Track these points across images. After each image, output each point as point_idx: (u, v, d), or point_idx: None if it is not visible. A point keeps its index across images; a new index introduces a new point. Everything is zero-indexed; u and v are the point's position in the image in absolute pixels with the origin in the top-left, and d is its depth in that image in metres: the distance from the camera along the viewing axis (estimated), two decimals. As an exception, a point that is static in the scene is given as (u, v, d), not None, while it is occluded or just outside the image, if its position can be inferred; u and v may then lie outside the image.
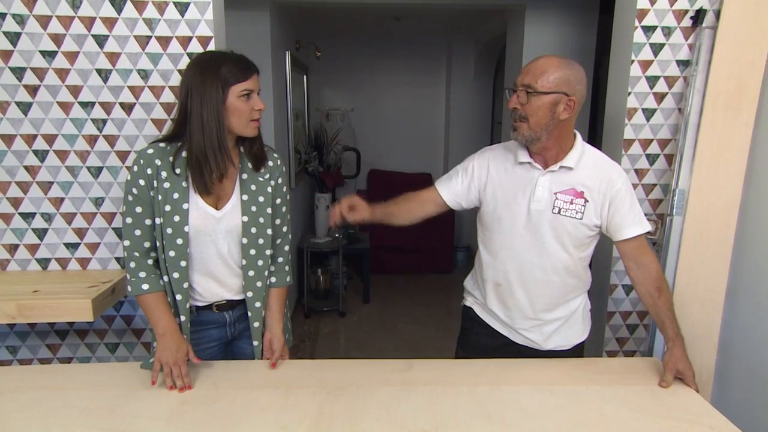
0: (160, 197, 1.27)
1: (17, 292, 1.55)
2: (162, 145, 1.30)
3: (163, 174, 1.27)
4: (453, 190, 1.48)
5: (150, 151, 1.28)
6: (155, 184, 1.27)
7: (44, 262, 1.76)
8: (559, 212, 1.34)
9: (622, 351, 1.95)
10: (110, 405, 1.19)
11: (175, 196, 1.27)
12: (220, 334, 1.44)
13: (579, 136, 1.38)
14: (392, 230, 5.51)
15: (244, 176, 1.34)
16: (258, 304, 1.39)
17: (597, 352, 1.98)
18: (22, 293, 1.54)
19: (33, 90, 1.64)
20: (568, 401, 1.24)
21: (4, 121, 1.65)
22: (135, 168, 1.27)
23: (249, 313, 1.39)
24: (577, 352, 1.51)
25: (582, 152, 1.36)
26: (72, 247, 1.76)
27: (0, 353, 1.81)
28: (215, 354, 1.45)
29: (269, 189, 1.37)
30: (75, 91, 1.66)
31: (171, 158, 1.27)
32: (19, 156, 1.68)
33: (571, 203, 1.33)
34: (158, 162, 1.27)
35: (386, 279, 4.55)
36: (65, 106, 1.67)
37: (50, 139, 1.68)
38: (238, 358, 1.48)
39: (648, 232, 1.36)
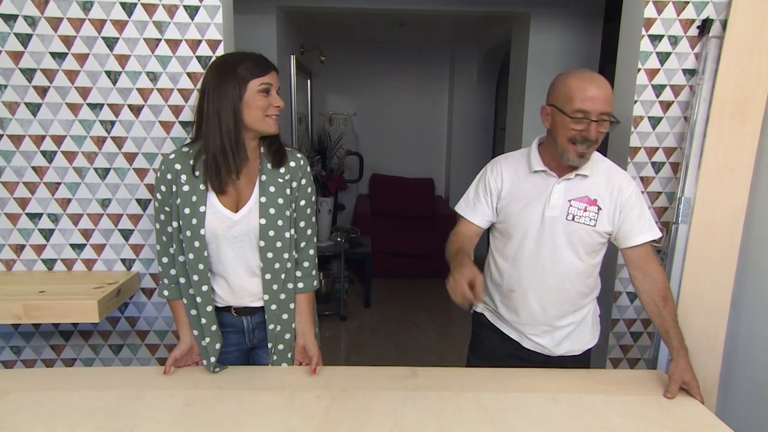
0: (179, 201, 1.28)
1: (23, 293, 1.55)
2: (185, 149, 1.32)
3: (183, 178, 1.29)
4: (483, 213, 1.46)
5: (172, 156, 1.31)
6: (174, 189, 1.29)
7: (50, 263, 1.77)
8: (573, 219, 1.36)
9: (626, 358, 1.95)
10: (115, 406, 1.19)
11: (194, 199, 1.28)
12: (239, 339, 1.43)
13: None
14: (394, 235, 5.47)
15: (264, 177, 1.33)
16: (274, 307, 1.37)
17: (600, 359, 1.98)
18: (29, 293, 1.55)
19: (42, 91, 1.65)
20: (574, 410, 1.23)
21: (13, 121, 1.66)
22: (158, 174, 1.31)
23: (266, 315, 1.38)
24: (587, 357, 1.52)
25: (594, 160, 1.38)
26: (78, 248, 1.76)
27: (4, 354, 1.81)
28: (233, 361, 1.43)
29: (288, 191, 1.35)
30: (84, 92, 1.67)
31: (192, 161, 1.29)
32: (27, 156, 1.69)
33: (585, 210, 1.35)
34: (178, 166, 1.29)
35: (387, 283, 4.55)
36: (74, 108, 1.67)
37: (58, 140, 1.69)
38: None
39: (659, 239, 1.38)
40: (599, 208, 1.35)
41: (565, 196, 1.36)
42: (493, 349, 1.53)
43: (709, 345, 1.67)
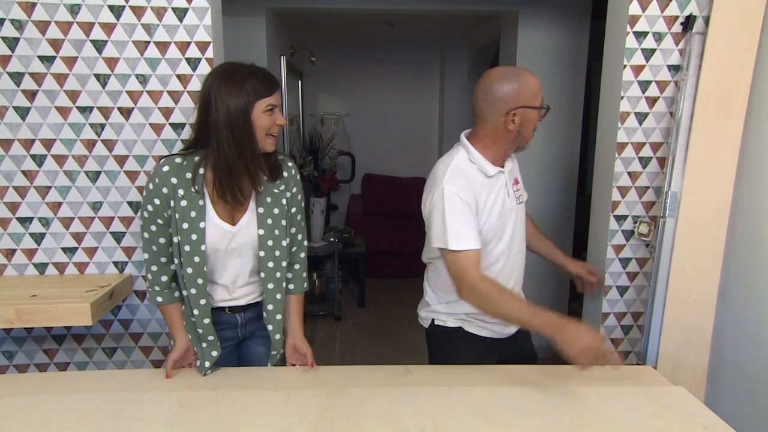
0: (177, 216, 1.26)
1: (15, 297, 1.54)
2: (178, 160, 1.27)
3: (180, 192, 1.26)
4: (478, 235, 1.38)
5: (165, 168, 1.26)
6: (172, 204, 1.26)
7: (41, 267, 1.76)
8: (519, 201, 1.52)
9: (616, 352, 1.97)
10: (110, 408, 1.20)
11: (192, 214, 1.27)
12: (232, 335, 1.45)
13: None
14: (387, 235, 5.45)
15: (261, 188, 1.33)
16: (279, 317, 1.39)
17: (592, 353, 2.00)
18: (20, 298, 1.54)
19: (31, 95, 1.64)
20: (565, 402, 1.25)
21: (1, 126, 1.65)
22: (150, 186, 1.26)
23: (270, 327, 1.39)
24: None
25: None
26: (69, 251, 1.76)
27: (-4, 359, 1.81)
28: (227, 355, 1.44)
29: (284, 201, 1.36)
30: (73, 96, 1.66)
31: (189, 174, 1.26)
32: (16, 161, 1.68)
33: (518, 190, 1.53)
34: (174, 180, 1.26)
35: (381, 283, 4.56)
36: (63, 111, 1.67)
37: (48, 143, 1.68)
38: (247, 357, 1.49)
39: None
40: (520, 183, 1.54)
41: (510, 184, 1.48)
42: (472, 355, 1.53)
43: (698, 336, 1.69)
